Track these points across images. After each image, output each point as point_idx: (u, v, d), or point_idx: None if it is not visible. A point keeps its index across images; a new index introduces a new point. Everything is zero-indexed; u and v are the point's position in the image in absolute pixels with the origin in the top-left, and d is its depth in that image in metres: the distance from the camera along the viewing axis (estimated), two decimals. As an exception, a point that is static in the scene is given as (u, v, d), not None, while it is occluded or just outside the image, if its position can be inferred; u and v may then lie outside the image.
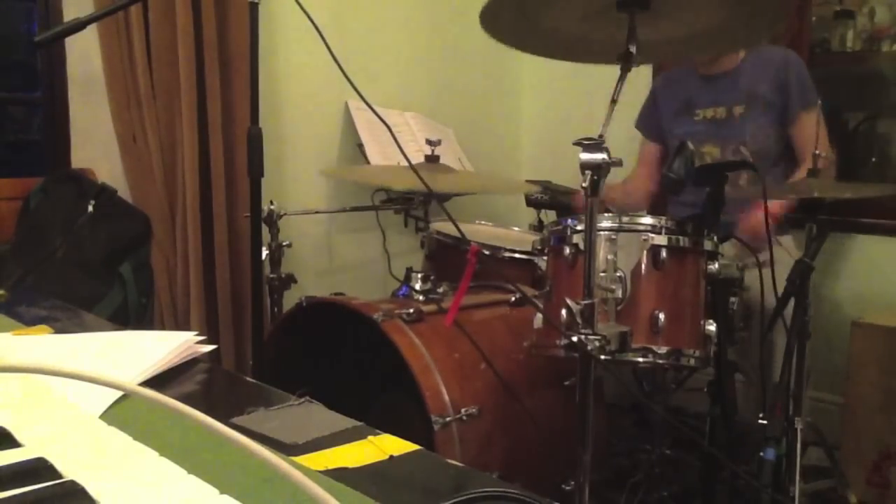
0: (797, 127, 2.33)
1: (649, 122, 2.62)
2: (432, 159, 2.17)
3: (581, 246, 1.58)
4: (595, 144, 1.20)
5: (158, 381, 0.87)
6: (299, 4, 1.58)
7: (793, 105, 2.32)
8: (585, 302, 1.23)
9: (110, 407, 0.75)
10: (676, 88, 2.54)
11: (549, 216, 2.78)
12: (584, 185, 1.22)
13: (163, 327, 2.48)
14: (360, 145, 2.88)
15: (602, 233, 1.62)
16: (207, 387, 0.91)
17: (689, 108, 2.47)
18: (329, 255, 3.09)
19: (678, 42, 1.48)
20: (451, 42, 3.33)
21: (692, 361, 1.65)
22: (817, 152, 1.87)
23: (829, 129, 2.22)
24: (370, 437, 0.71)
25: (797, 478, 1.76)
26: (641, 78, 3.12)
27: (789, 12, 1.68)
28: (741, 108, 2.38)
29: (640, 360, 1.60)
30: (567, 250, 1.66)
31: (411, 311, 1.83)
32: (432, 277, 2.03)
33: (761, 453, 1.69)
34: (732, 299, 1.82)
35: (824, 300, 2.70)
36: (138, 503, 0.55)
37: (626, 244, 1.63)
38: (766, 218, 1.82)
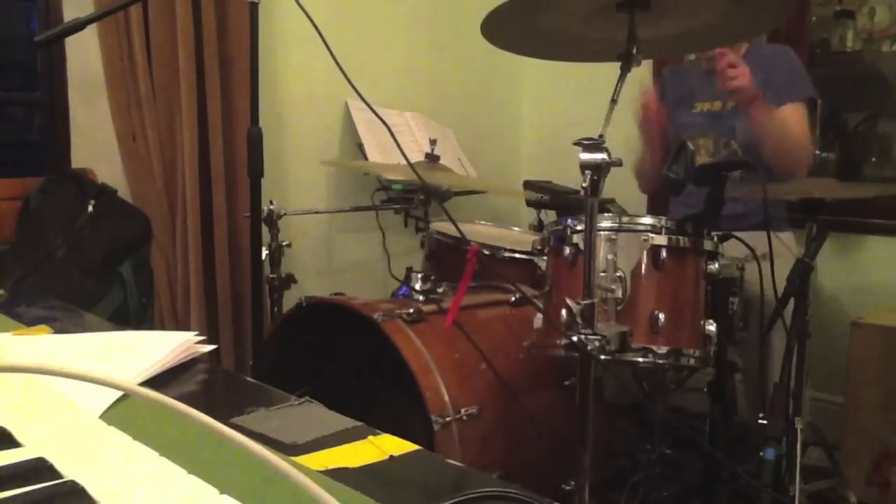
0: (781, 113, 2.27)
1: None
2: (432, 158, 2.17)
3: (581, 246, 1.58)
4: (595, 144, 1.20)
5: (158, 381, 0.87)
6: (299, 4, 1.58)
7: (777, 94, 2.30)
8: (585, 302, 1.23)
9: (110, 407, 0.75)
10: (681, 81, 2.60)
11: (549, 216, 2.77)
12: (583, 185, 1.22)
13: (163, 327, 2.48)
14: (360, 145, 2.88)
15: (602, 233, 1.62)
16: (207, 387, 0.91)
17: (690, 100, 2.51)
18: (329, 255, 3.09)
19: (678, 38, 1.48)
20: (451, 42, 3.33)
21: (692, 361, 1.65)
22: None
23: (828, 129, 2.21)
24: (370, 437, 0.71)
25: (797, 478, 1.76)
26: (641, 78, 3.13)
27: (790, 7, 1.68)
28: (733, 102, 2.39)
29: (640, 360, 1.60)
30: (567, 250, 1.66)
31: (411, 311, 1.83)
32: (432, 277, 2.03)
33: (761, 453, 1.69)
34: (732, 299, 1.82)
35: (824, 300, 2.70)
36: (138, 503, 0.55)
37: (626, 244, 1.63)
38: (766, 216, 1.82)
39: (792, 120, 2.23)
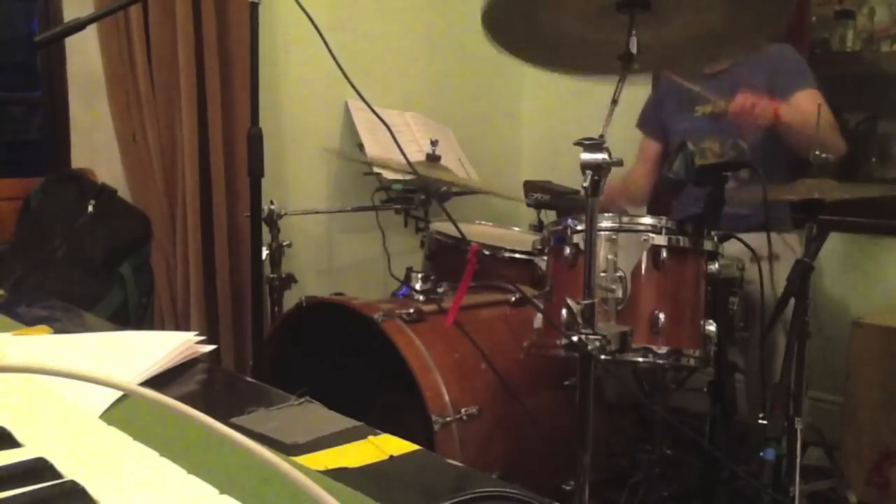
0: (794, 103, 2.25)
1: (651, 120, 2.65)
2: (433, 158, 2.17)
3: (581, 246, 1.58)
4: (595, 144, 1.20)
5: (158, 381, 0.87)
6: (299, 4, 1.58)
7: (782, 85, 2.29)
8: (586, 302, 1.23)
9: (110, 407, 0.75)
10: (678, 86, 2.57)
11: (549, 216, 2.77)
12: (584, 184, 1.22)
13: (163, 327, 2.48)
14: (361, 145, 2.88)
15: (602, 233, 1.62)
16: (207, 387, 0.91)
17: (690, 104, 2.50)
18: (329, 255, 3.09)
19: (678, 48, 1.48)
20: (451, 42, 3.33)
21: (692, 361, 1.65)
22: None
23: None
24: (370, 437, 0.71)
25: (797, 478, 1.76)
26: (641, 79, 3.12)
27: (790, 11, 1.68)
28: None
29: (641, 360, 1.60)
30: (567, 250, 1.66)
31: (411, 311, 1.83)
32: (432, 277, 2.03)
33: (761, 453, 1.69)
34: (732, 299, 1.82)
35: (824, 300, 2.70)
36: (138, 503, 0.55)
37: (626, 244, 1.63)
38: (766, 218, 1.82)
39: (805, 105, 2.21)
